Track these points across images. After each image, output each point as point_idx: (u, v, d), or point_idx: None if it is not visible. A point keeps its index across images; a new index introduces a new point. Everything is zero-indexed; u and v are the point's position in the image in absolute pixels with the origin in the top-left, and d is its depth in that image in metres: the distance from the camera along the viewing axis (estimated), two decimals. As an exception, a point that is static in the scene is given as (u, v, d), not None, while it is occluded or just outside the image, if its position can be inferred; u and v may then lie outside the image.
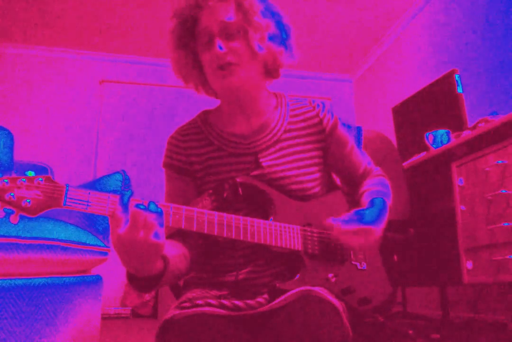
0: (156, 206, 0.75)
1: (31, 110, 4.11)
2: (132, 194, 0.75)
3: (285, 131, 1.01)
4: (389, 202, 1.04)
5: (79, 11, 3.67)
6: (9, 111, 4.04)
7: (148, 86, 4.33)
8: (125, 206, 0.72)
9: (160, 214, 0.74)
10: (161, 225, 0.74)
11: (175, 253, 0.88)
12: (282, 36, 0.98)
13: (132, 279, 0.79)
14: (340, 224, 0.88)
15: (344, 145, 1.05)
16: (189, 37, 0.99)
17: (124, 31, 3.97)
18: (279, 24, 0.99)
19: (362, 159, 1.10)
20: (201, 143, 1.01)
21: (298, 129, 1.01)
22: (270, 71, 1.02)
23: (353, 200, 1.09)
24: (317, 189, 1.00)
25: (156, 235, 0.72)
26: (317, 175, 1.00)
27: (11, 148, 1.84)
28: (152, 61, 4.34)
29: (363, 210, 0.94)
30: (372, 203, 0.99)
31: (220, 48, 0.92)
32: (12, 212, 0.68)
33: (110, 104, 4.30)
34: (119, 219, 0.72)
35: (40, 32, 3.97)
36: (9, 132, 1.88)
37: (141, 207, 0.72)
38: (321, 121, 1.02)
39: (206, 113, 1.07)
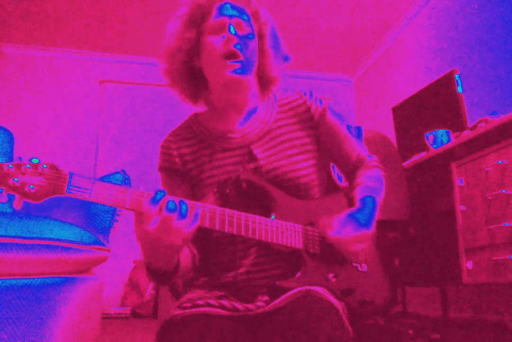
0: (187, 209, 0.76)
1: (31, 110, 4.11)
2: (164, 194, 0.76)
3: (275, 120, 1.02)
4: (381, 198, 1.04)
5: (79, 11, 3.67)
6: (9, 111, 4.04)
7: (148, 86, 4.32)
8: (156, 205, 0.74)
9: (194, 219, 0.76)
10: (190, 228, 0.76)
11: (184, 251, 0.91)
12: (281, 48, 1.06)
13: (148, 268, 0.83)
14: (339, 235, 0.88)
15: (335, 133, 1.05)
16: (200, 19, 0.98)
17: (123, 31, 3.97)
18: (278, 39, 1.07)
19: (355, 147, 1.10)
20: (192, 142, 1.02)
21: (287, 117, 1.03)
22: (263, 78, 1.06)
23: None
24: (313, 176, 1.00)
25: (184, 239, 0.75)
26: (312, 162, 1.01)
27: (11, 148, 1.84)
28: (152, 61, 4.33)
29: (355, 213, 0.93)
30: (363, 203, 0.99)
31: (233, 32, 0.94)
32: (15, 197, 0.69)
33: (110, 104, 4.30)
34: (149, 217, 0.73)
35: (40, 32, 3.97)
36: (9, 132, 1.88)
37: (174, 211, 0.73)
38: (309, 109, 1.03)
39: (196, 115, 1.09)
